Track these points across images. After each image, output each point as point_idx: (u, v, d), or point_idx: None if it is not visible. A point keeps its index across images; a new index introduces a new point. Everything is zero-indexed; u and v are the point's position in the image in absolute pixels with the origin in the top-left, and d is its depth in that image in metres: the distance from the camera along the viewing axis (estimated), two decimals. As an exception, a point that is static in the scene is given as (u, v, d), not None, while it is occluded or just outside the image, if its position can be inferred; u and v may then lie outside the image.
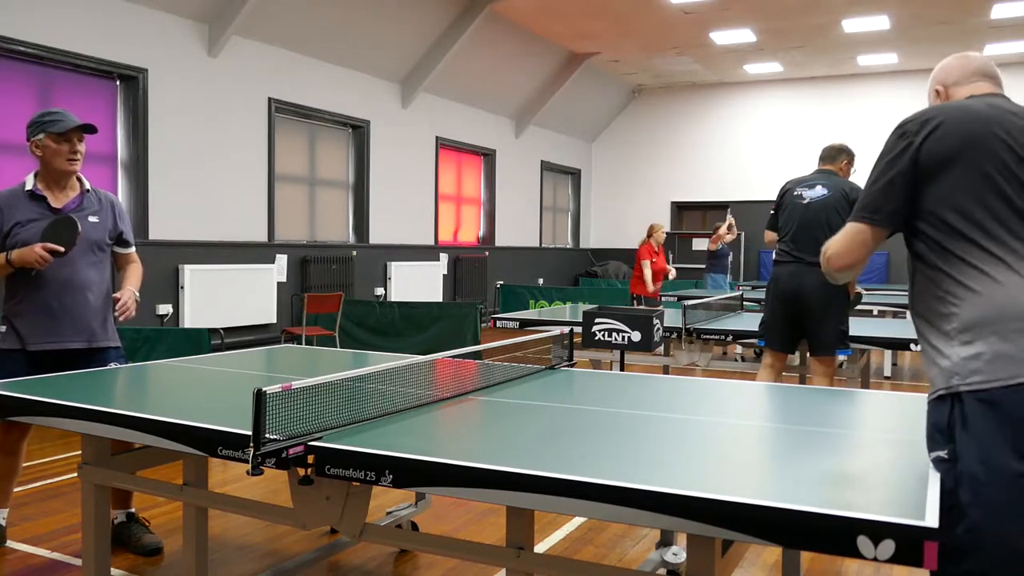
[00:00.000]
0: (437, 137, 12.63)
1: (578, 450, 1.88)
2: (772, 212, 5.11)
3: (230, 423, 2.12)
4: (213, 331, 5.90)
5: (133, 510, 3.51)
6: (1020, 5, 10.96)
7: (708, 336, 5.30)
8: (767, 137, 16.10)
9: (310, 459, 1.92)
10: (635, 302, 9.48)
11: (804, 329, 4.84)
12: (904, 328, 5.42)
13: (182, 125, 8.43)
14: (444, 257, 12.78)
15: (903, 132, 1.91)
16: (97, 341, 3.39)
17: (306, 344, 7.95)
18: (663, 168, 16.84)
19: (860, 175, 5.08)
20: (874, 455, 1.89)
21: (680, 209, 17.00)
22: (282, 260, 9.65)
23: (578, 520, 3.84)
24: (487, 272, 13.81)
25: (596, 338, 4.13)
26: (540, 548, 3.44)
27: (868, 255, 1.98)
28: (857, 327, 5.34)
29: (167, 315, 8.18)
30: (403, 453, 1.83)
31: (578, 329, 4.20)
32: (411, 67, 11.60)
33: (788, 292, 4.83)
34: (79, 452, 2.80)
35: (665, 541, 3.15)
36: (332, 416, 2.14)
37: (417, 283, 11.90)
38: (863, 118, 15.32)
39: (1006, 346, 1.69)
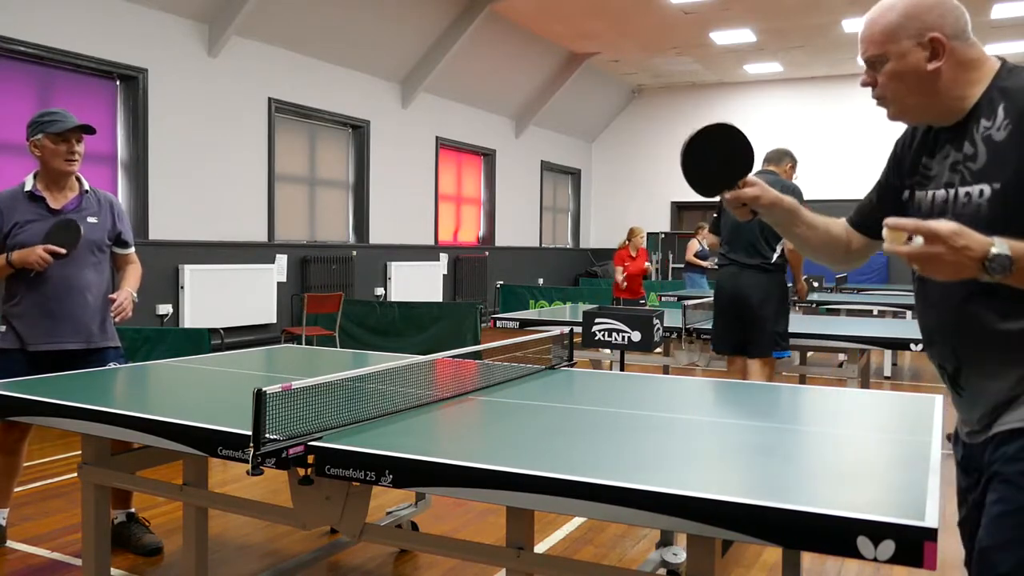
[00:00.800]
0: (437, 137, 12.63)
1: (578, 450, 1.88)
2: (715, 215, 5.13)
3: (230, 423, 2.12)
4: (213, 331, 5.90)
5: (133, 510, 3.51)
6: (1020, 5, 10.96)
7: (708, 336, 5.29)
8: (767, 137, 16.07)
9: (310, 459, 1.92)
10: (616, 304, 9.59)
11: (745, 330, 4.86)
12: (904, 328, 5.42)
13: (182, 125, 8.43)
14: (444, 257, 12.78)
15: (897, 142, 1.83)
16: (96, 342, 3.39)
17: (306, 344, 7.95)
18: (663, 168, 16.84)
19: (802, 180, 5.10)
20: (874, 455, 1.89)
21: (680, 209, 17.00)
22: (282, 260, 9.65)
23: (578, 520, 3.84)
24: (487, 272, 13.80)
25: (596, 338, 4.13)
26: (540, 548, 3.44)
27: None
28: (857, 327, 5.34)
29: (167, 315, 8.18)
30: (403, 453, 1.83)
31: (578, 329, 4.19)
32: (411, 67, 11.60)
33: (727, 295, 4.87)
34: (79, 452, 2.80)
35: (665, 541, 3.14)
36: (332, 416, 2.14)
37: (417, 283, 11.90)
38: (863, 118, 15.32)
39: None
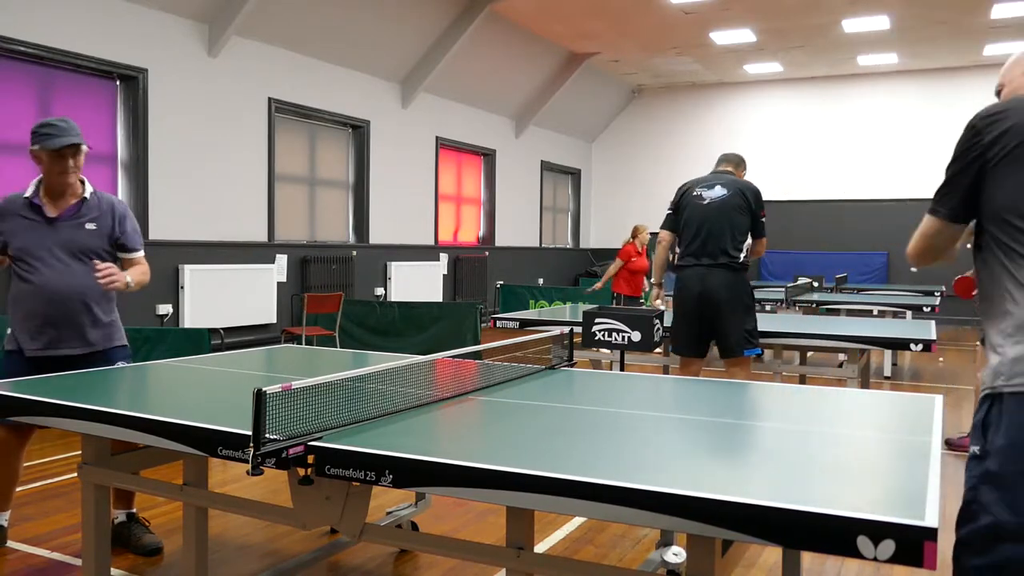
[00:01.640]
0: (437, 137, 12.63)
1: (578, 450, 1.88)
2: (669, 212, 5.09)
3: (230, 423, 2.12)
4: (213, 331, 5.90)
5: (134, 510, 3.51)
6: (1020, 5, 10.96)
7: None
8: (767, 137, 16.09)
9: (310, 459, 1.92)
10: (614, 301, 9.53)
11: (712, 331, 4.83)
12: (904, 328, 5.42)
13: (182, 125, 8.43)
14: (444, 257, 12.78)
15: (972, 127, 1.88)
16: (99, 345, 3.40)
17: (306, 344, 7.95)
18: (663, 168, 16.84)
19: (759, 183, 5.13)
20: (874, 455, 1.89)
21: (680, 209, 16.99)
22: (282, 260, 9.65)
23: (578, 520, 3.84)
24: (487, 272, 13.81)
25: (596, 338, 4.13)
26: (540, 548, 3.44)
27: (936, 246, 1.99)
28: (857, 327, 5.34)
29: (167, 315, 8.18)
30: (403, 453, 1.83)
31: (578, 329, 4.20)
32: (411, 67, 11.60)
33: (693, 295, 4.81)
34: (79, 452, 2.80)
35: (665, 541, 3.15)
36: (332, 416, 2.14)
37: (417, 283, 11.90)
38: (863, 118, 15.32)
39: None
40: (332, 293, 8.52)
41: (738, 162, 5.10)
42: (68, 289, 3.30)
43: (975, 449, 1.75)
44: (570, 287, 13.96)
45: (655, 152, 17.13)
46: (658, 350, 5.05)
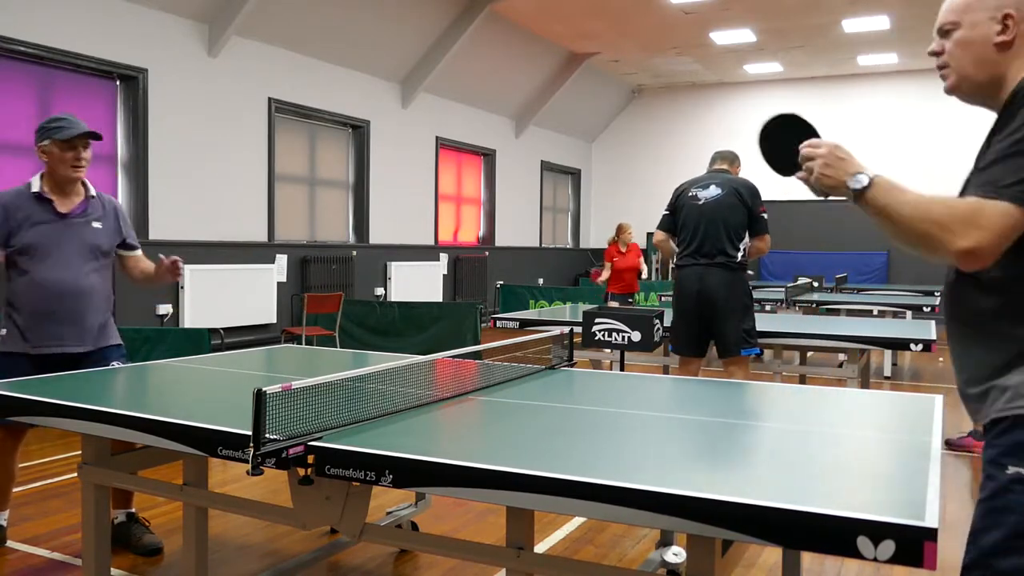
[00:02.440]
0: (437, 137, 12.63)
1: (578, 450, 1.88)
2: (666, 212, 5.10)
3: (230, 423, 2.12)
4: (213, 331, 5.89)
5: (133, 510, 3.51)
6: (1020, 5, 10.96)
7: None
8: (767, 137, 16.07)
9: (310, 459, 1.92)
10: (606, 299, 9.60)
11: (711, 331, 4.84)
12: (904, 328, 5.42)
13: (182, 125, 8.43)
14: (444, 257, 12.78)
15: None
16: (98, 343, 3.41)
17: (306, 344, 7.95)
18: (663, 168, 16.84)
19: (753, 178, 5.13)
20: (874, 455, 1.89)
21: (680, 209, 17.00)
22: (282, 260, 9.65)
23: (578, 520, 3.84)
24: (487, 272, 13.81)
25: (596, 338, 4.13)
26: (540, 548, 3.44)
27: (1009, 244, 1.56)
28: (857, 327, 5.34)
29: (167, 315, 8.18)
30: (403, 453, 1.83)
31: (578, 329, 4.20)
32: (411, 67, 11.60)
33: (691, 294, 4.82)
34: (79, 452, 2.80)
35: (665, 541, 3.15)
36: (332, 416, 2.14)
37: (417, 283, 11.90)
38: (863, 118, 15.32)
39: None
40: (332, 293, 8.52)
41: (733, 159, 5.10)
42: (74, 286, 3.32)
43: (1021, 471, 1.55)
44: (570, 287, 13.97)
45: (655, 152, 17.13)
46: (658, 350, 5.05)
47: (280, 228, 9.89)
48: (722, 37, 12.84)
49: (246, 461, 1.87)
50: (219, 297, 8.62)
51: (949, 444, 5.23)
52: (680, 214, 4.98)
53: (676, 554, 3.02)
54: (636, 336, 4.03)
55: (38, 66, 7.31)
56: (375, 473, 1.83)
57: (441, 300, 12.33)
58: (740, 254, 4.81)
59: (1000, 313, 1.61)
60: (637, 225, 16.41)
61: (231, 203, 9.04)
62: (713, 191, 4.86)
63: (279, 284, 9.55)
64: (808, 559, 3.40)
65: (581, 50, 13.93)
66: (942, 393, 2.67)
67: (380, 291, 11.35)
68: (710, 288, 4.76)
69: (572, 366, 3.25)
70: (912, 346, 4.76)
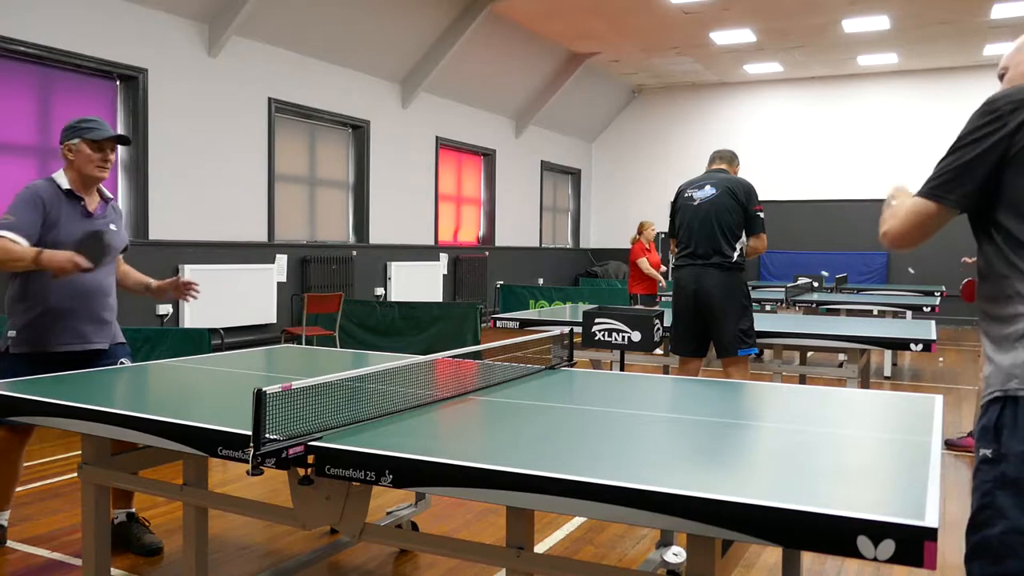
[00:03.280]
0: (437, 137, 12.63)
1: (578, 450, 1.88)
2: (671, 216, 5.12)
3: (230, 423, 2.12)
4: (213, 331, 5.90)
5: (133, 510, 3.51)
6: (1020, 5, 10.96)
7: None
8: (767, 137, 16.09)
9: (310, 459, 1.92)
10: (632, 302, 9.43)
11: (708, 331, 4.85)
12: (904, 328, 5.42)
13: (182, 125, 8.43)
14: (444, 257, 12.78)
15: (994, 111, 1.74)
16: (113, 340, 3.47)
17: (306, 344, 7.95)
18: (663, 168, 16.84)
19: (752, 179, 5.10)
20: (874, 455, 1.89)
21: (680, 209, 16.99)
22: (282, 260, 9.66)
23: (578, 520, 3.84)
24: (487, 272, 13.81)
25: (596, 338, 4.12)
26: (540, 548, 3.44)
27: (930, 234, 1.86)
28: (857, 327, 5.34)
29: (167, 315, 8.18)
30: (403, 453, 1.83)
31: (578, 329, 4.20)
32: (411, 67, 11.60)
33: (688, 295, 4.84)
34: (79, 452, 2.80)
35: (665, 541, 3.15)
36: (332, 416, 2.14)
37: (417, 283, 11.91)
38: (863, 118, 15.32)
39: None
40: (332, 293, 8.52)
41: (731, 158, 5.10)
42: (95, 285, 3.36)
43: (986, 453, 1.70)
44: (570, 287, 13.97)
45: (655, 152, 17.13)
46: (658, 350, 5.05)
47: (280, 228, 9.89)
48: (722, 37, 12.84)
49: (246, 461, 1.87)
50: (219, 297, 8.62)
51: (949, 444, 5.23)
52: (678, 216, 5.01)
53: (676, 554, 3.02)
54: (636, 336, 4.03)
55: (38, 66, 7.30)
56: (375, 473, 1.83)
57: (441, 300, 12.33)
58: (736, 254, 4.82)
59: (984, 312, 1.83)
60: (637, 225, 16.47)
61: (231, 203, 9.04)
62: (708, 191, 4.88)
63: (279, 284, 9.55)
64: (808, 559, 3.40)
65: (581, 50, 13.93)
66: (942, 393, 2.67)
67: (380, 291, 11.35)
68: (706, 288, 4.77)
69: (572, 366, 3.25)
70: (912, 346, 4.76)
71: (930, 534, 1.34)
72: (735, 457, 1.84)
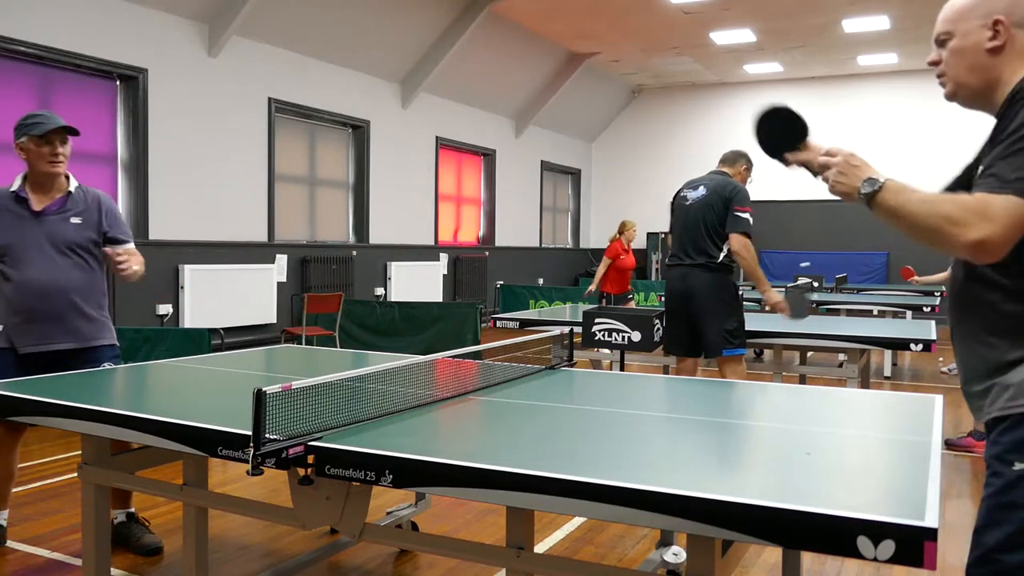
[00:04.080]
0: (437, 137, 12.63)
1: (578, 450, 1.88)
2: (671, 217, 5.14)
3: (230, 423, 2.12)
4: (213, 331, 5.90)
5: (133, 510, 3.51)
6: (1020, 5, 10.95)
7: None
8: (767, 137, 16.07)
9: (310, 459, 1.92)
10: (603, 300, 9.37)
11: (696, 331, 4.86)
12: (904, 328, 5.42)
13: (182, 125, 8.43)
14: (444, 257, 12.78)
15: None
16: (87, 340, 3.37)
17: (306, 344, 7.95)
18: (663, 168, 16.84)
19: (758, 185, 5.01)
20: (874, 455, 1.89)
21: (680, 209, 17.00)
22: (282, 260, 9.65)
23: (578, 520, 3.84)
24: (487, 272, 13.80)
25: (596, 338, 4.13)
26: (540, 548, 3.44)
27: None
28: (857, 327, 5.34)
29: (167, 315, 8.18)
30: (403, 453, 1.83)
31: (578, 329, 4.20)
32: (411, 67, 11.60)
33: (677, 294, 4.88)
34: (79, 452, 2.80)
35: (665, 541, 3.15)
36: (332, 416, 2.14)
37: (417, 283, 11.90)
38: (863, 118, 15.32)
39: None
40: (332, 293, 8.52)
41: (734, 159, 5.09)
42: (54, 284, 3.28)
43: None
44: (570, 287, 13.97)
45: (655, 152, 17.13)
46: (658, 350, 5.05)
47: (280, 228, 9.89)
48: (722, 37, 12.84)
49: (246, 461, 1.87)
50: (219, 297, 8.62)
51: (949, 444, 5.23)
52: (673, 216, 5.07)
53: (676, 554, 3.02)
54: (636, 336, 4.03)
55: (38, 66, 7.30)
56: (375, 473, 1.83)
57: (441, 300, 12.33)
58: (723, 255, 4.84)
59: (1004, 312, 1.65)
60: (640, 225, 16.44)
61: (231, 203, 9.03)
62: (700, 192, 4.92)
63: (279, 284, 9.55)
64: (808, 559, 3.40)
65: (581, 50, 13.93)
66: (942, 393, 2.67)
67: (380, 291, 11.34)
68: (692, 288, 4.82)
69: (572, 366, 3.25)
70: (912, 346, 4.76)
71: (930, 534, 1.34)
72: (735, 457, 1.84)
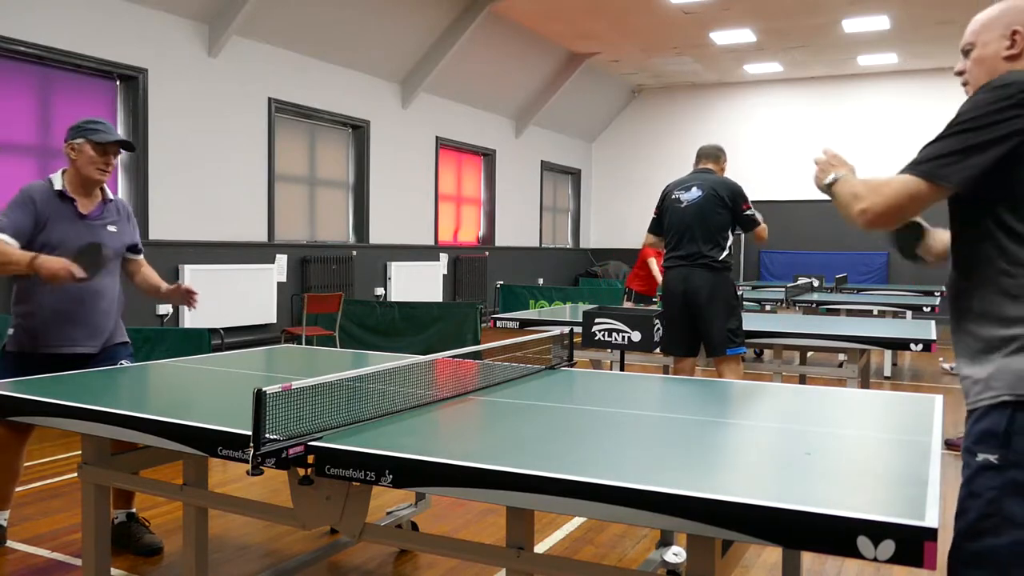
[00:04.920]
0: (437, 137, 12.63)
1: (578, 450, 1.88)
2: (654, 216, 5.18)
3: (230, 423, 2.12)
4: (213, 331, 5.90)
5: (133, 510, 3.51)
6: (1020, 5, 10.95)
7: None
8: (767, 137, 16.09)
9: (310, 459, 1.92)
10: (626, 296, 9.32)
11: (697, 331, 4.90)
12: (904, 328, 5.42)
13: (182, 125, 8.43)
14: (444, 257, 12.78)
15: (1013, 97, 1.64)
16: (108, 343, 3.44)
17: (306, 344, 7.95)
18: (663, 168, 16.82)
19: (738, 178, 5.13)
20: (874, 455, 1.89)
21: (680, 209, 16.99)
22: (282, 260, 9.65)
23: (578, 520, 3.84)
24: (487, 272, 13.80)
25: (596, 338, 4.12)
26: (540, 548, 3.44)
27: (912, 215, 1.75)
28: (857, 327, 5.34)
29: (167, 315, 8.18)
30: (403, 453, 1.83)
31: (578, 329, 4.19)
32: (411, 67, 11.60)
33: (677, 295, 4.92)
34: (79, 452, 2.80)
35: (665, 541, 3.15)
36: (332, 416, 2.14)
37: (417, 283, 11.90)
38: (863, 118, 15.32)
39: None
40: (332, 293, 8.52)
41: (716, 155, 5.15)
42: (94, 289, 3.33)
43: (991, 458, 1.63)
44: (570, 287, 13.97)
45: (655, 152, 17.13)
46: (658, 350, 5.06)
47: (280, 228, 9.89)
48: (722, 37, 12.84)
49: (246, 461, 1.87)
50: (219, 297, 8.62)
51: (949, 444, 5.23)
52: (665, 216, 5.08)
53: (676, 554, 3.02)
54: (636, 336, 4.03)
55: (38, 66, 7.30)
56: (375, 473, 1.83)
57: (441, 300, 12.33)
58: (723, 254, 4.91)
59: (972, 310, 1.77)
60: (640, 225, 16.40)
61: (231, 203, 9.03)
62: (694, 193, 4.95)
63: (279, 284, 9.55)
64: (808, 559, 3.40)
65: (581, 50, 13.93)
66: (942, 393, 2.67)
67: (380, 291, 11.34)
68: (694, 289, 4.85)
69: (572, 366, 3.25)
70: (912, 346, 4.77)
71: (930, 534, 1.34)
72: (735, 457, 1.84)
